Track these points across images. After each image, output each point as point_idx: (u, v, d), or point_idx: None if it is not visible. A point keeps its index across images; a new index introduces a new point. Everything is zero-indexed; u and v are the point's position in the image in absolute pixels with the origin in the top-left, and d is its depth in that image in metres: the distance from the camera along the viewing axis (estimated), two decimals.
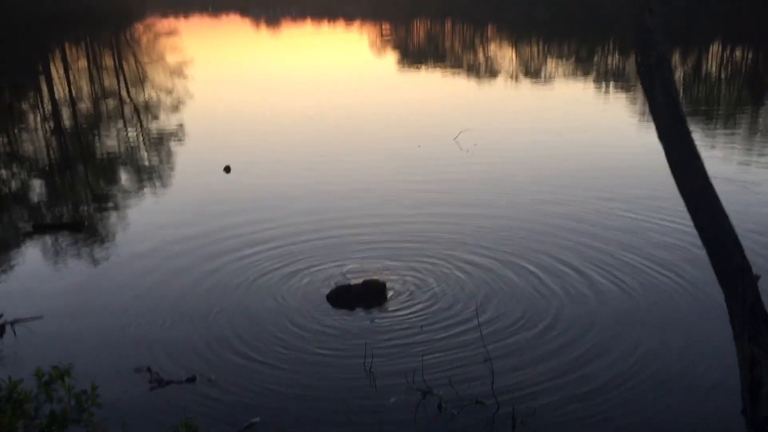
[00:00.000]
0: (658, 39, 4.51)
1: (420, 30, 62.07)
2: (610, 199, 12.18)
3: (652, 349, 7.38)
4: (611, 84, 26.75)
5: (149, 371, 7.25)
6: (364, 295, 8.67)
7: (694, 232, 4.86)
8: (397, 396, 6.67)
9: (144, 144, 18.80)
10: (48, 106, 24.88)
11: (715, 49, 36.32)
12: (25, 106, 25.71)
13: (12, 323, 7.59)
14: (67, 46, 54.98)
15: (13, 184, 15.41)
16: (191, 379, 7.09)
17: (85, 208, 13.30)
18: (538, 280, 9.10)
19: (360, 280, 8.92)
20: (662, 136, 4.51)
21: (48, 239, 11.23)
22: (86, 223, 11.91)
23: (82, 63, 42.08)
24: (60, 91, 29.41)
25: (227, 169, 14.83)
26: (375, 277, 9.02)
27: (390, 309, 8.52)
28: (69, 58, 44.97)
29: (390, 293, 8.83)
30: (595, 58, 35.07)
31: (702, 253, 5.12)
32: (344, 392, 6.80)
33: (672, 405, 6.42)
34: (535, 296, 8.69)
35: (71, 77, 33.85)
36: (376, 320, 8.28)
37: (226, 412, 6.50)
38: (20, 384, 4.18)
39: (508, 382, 6.80)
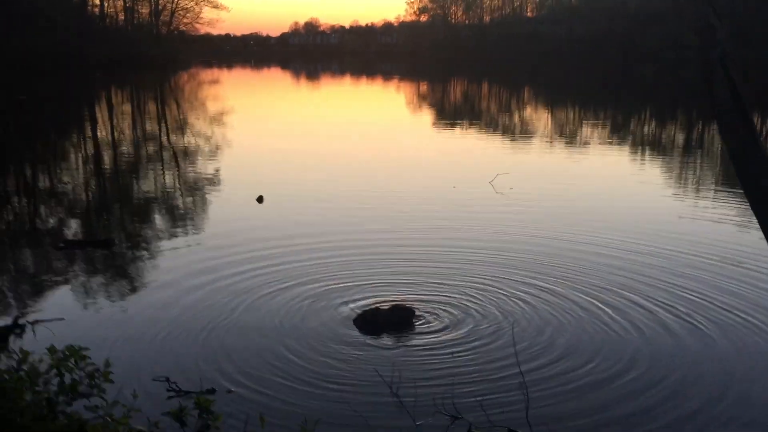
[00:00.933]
0: (720, 35, 4.28)
1: (457, 90, 62.76)
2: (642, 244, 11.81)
3: (701, 385, 6.93)
4: (646, 149, 26.50)
5: (168, 381, 6.99)
6: (392, 321, 8.35)
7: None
8: (424, 419, 6.29)
9: (181, 182, 18.92)
10: (90, 147, 25.31)
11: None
12: (68, 145, 26.19)
13: (32, 323, 7.41)
14: (113, 89, 56.68)
15: (48, 207, 15.53)
16: (210, 391, 6.81)
17: (117, 228, 13.29)
18: (578, 314, 8.73)
19: (388, 306, 8.62)
20: (724, 133, 4.23)
21: (78, 254, 11.17)
22: (116, 242, 11.85)
23: (127, 107, 43.26)
24: (103, 131, 30.10)
25: (260, 200, 14.79)
26: (403, 303, 8.71)
27: (419, 334, 8.18)
28: (114, 101, 46.29)
29: (419, 320, 8.50)
30: (631, 124, 34.78)
31: None
32: (369, 415, 6.43)
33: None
34: (573, 328, 8.31)
35: (114, 120, 34.69)
36: (404, 345, 7.94)
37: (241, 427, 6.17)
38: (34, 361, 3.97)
39: (543, 412, 6.39)
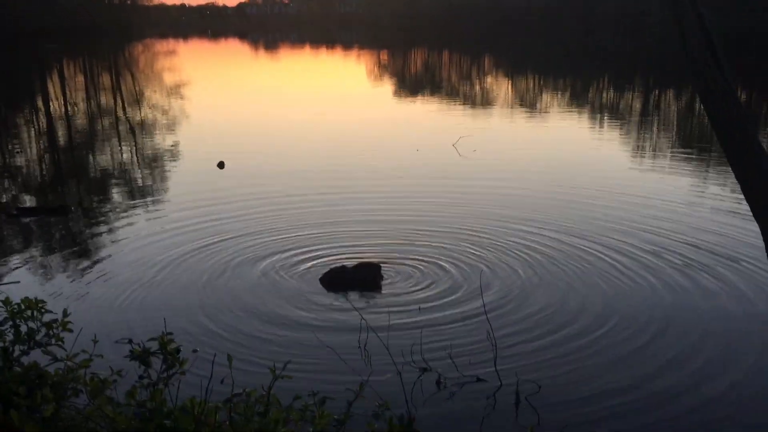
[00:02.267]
0: (706, 24, 4.24)
1: (418, 59, 62.40)
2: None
3: (655, 329, 7.05)
4: (604, 113, 26.74)
5: (130, 342, 6.81)
6: (358, 278, 8.29)
7: None
8: (393, 371, 6.25)
9: (138, 151, 18.46)
10: (43, 121, 24.47)
11: None
12: (20, 120, 25.28)
13: None
14: (65, 61, 54.99)
15: (1, 177, 15.02)
16: (176, 350, 6.65)
17: (74, 196, 12.91)
18: (543, 267, 8.79)
19: (354, 264, 8.54)
20: (696, 71, 4.21)
21: (33, 221, 10.82)
22: (72, 209, 11.50)
23: (80, 79, 42.00)
24: (55, 103, 29.16)
25: (221, 165, 14.51)
26: (369, 260, 8.64)
27: (386, 291, 8.13)
28: (66, 74, 44.89)
29: (386, 278, 8.45)
30: (590, 91, 34.96)
31: None
32: (338, 368, 6.37)
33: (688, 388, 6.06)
34: (538, 281, 8.36)
35: (67, 92, 33.63)
36: (371, 301, 7.90)
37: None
38: None
39: (511, 361, 6.42)
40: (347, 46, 77.91)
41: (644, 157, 16.69)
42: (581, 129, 21.27)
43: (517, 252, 9.39)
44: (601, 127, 22.35)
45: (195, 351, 6.62)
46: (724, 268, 8.78)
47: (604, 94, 33.43)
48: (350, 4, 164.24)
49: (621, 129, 21.54)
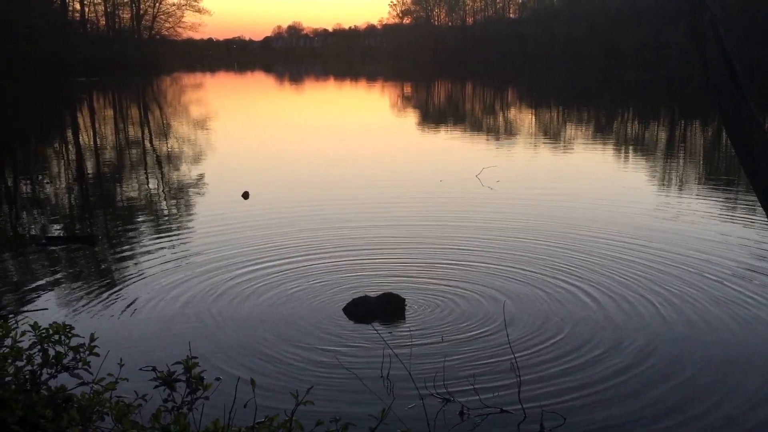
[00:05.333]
0: (728, 53, 4.28)
1: (441, 91, 62.85)
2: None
3: (686, 366, 6.92)
4: (629, 146, 26.63)
5: (154, 370, 6.86)
6: (382, 308, 8.28)
7: None
8: (416, 402, 6.21)
9: (165, 181, 18.75)
10: (72, 152, 24.96)
11: None
12: (49, 151, 25.83)
13: (15, 314, 7.27)
14: (94, 93, 56.19)
15: (31, 207, 15.31)
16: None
17: (101, 226, 13.11)
18: (567, 299, 8.72)
19: (378, 294, 8.55)
20: (718, 97, 4.22)
21: (61, 250, 11.00)
22: (100, 238, 11.68)
23: (108, 111, 42.90)
24: (85, 135, 29.78)
25: (245, 195, 14.66)
26: (393, 292, 8.63)
27: (409, 321, 8.11)
28: (95, 106, 45.86)
29: (408, 308, 8.43)
30: (614, 123, 34.83)
31: None
32: (360, 398, 6.35)
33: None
34: (562, 312, 8.28)
35: (96, 124, 34.34)
36: (394, 331, 7.87)
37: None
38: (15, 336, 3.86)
39: (536, 392, 6.35)
40: (371, 78, 78.77)
41: (671, 189, 16.56)
42: (605, 160, 21.20)
43: (541, 283, 9.31)
44: (626, 158, 22.26)
45: (218, 380, 6.67)
46: (762, 302, 8.62)
47: (629, 126, 33.35)
48: (374, 37, 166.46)
49: (645, 160, 21.45)
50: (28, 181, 18.55)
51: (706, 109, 33.16)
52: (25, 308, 7.85)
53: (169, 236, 11.89)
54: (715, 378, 6.71)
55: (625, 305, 8.56)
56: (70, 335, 3.84)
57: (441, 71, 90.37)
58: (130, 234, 12.29)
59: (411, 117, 37.76)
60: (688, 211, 13.56)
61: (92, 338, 3.85)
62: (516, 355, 6.78)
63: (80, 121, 36.52)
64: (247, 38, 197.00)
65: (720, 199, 14.74)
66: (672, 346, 7.39)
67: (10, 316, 7.51)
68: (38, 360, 3.71)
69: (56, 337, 3.84)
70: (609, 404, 6.21)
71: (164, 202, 15.15)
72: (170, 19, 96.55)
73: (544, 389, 6.46)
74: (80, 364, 3.68)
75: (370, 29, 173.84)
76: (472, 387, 6.30)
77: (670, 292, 8.99)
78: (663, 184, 17.24)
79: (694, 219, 12.90)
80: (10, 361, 3.63)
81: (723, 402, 6.25)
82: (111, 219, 13.80)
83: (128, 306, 8.62)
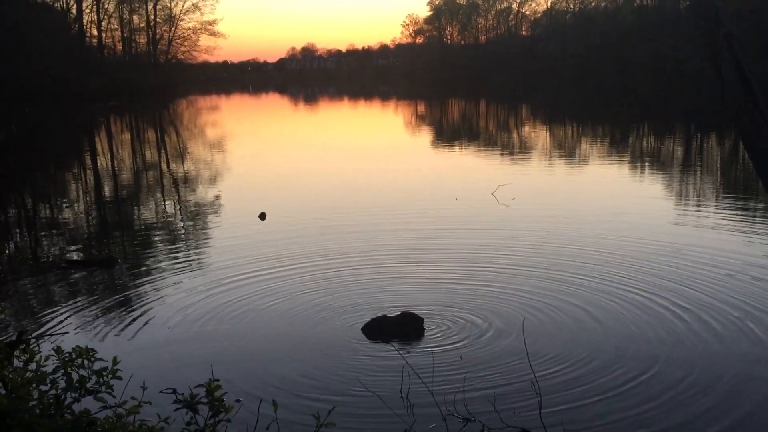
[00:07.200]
0: (724, 15, 4.28)
1: (454, 109, 63.02)
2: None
3: (716, 384, 6.83)
4: (645, 160, 26.50)
5: (175, 393, 6.88)
6: (401, 328, 8.27)
7: None
8: (436, 422, 6.19)
9: (182, 204, 18.91)
10: (90, 176, 25.27)
11: None
12: (68, 176, 26.17)
13: (37, 337, 7.34)
14: (112, 117, 56.89)
15: (50, 231, 15.49)
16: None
17: (120, 248, 13.24)
18: (587, 317, 8.66)
19: (396, 314, 8.54)
20: (734, 112, 4.21)
21: (81, 273, 11.11)
22: (119, 261, 11.78)
23: (126, 135, 43.42)
24: (103, 159, 30.14)
25: (262, 216, 14.75)
26: (411, 311, 8.62)
27: (428, 340, 8.09)
28: (113, 130, 46.44)
29: (427, 327, 8.41)
30: (629, 138, 34.70)
31: None
32: (380, 416, 6.33)
33: None
34: (582, 330, 8.22)
35: (114, 148, 34.75)
36: (413, 350, 7.85)
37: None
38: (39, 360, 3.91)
39: (557, 412, 6.29)
40: (384, 98, 79.19)
41: (689, 206, 16.41)
42: (622, 177, 21.12)
43: (559, 301, 9.26)
44: (642, 174, 22.15)
45: (238, 401, 6.67)
46: None
47: (644, 141, 33.22)
48: (386, 58, 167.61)
49: (662, 176, 21.33)
50: (48, 205, 18.79)
51: (723, 125, 32.96)
52: (47, 332, 7.92)
53: (187, 258, 11.97)
54: (755, 403, 6.57)
55: (652, 325, 8.41)
56: (93, 359, 3.88)
57: (454, 89, 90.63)
58: (149, 256, 12.39)
59: (425, 135, 37.89)
60: (707, 227, 13.45)
61: (114, 362, 3.88)
62: (536, 374, 6.73)
63: (98, 145, 37.00)
64: (261, 60, 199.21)
65: (740, 215, 14.60)
66: (709, 367, 7.22)
67: (32, 339, 7.57)
68: (62, 384, 3.75)
69: (79, 361, 3.88)
70: (633, 423, 6.13)
71: (181, 224, 15.28)
72: (186, 43, 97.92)
73: (565, 409, 6.40)
74: (103, 388, 3.72)
75: (383, 49, 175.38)
76: (492, 406, 6.25)
77: (699, 309, 8.85)
78: (681, 201, 17.12)
79: (716, 236, 12.75)
80: (34, 385, 3.68)
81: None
82: (129, 242, 13.93)
83: (148, 328, 8.68)
